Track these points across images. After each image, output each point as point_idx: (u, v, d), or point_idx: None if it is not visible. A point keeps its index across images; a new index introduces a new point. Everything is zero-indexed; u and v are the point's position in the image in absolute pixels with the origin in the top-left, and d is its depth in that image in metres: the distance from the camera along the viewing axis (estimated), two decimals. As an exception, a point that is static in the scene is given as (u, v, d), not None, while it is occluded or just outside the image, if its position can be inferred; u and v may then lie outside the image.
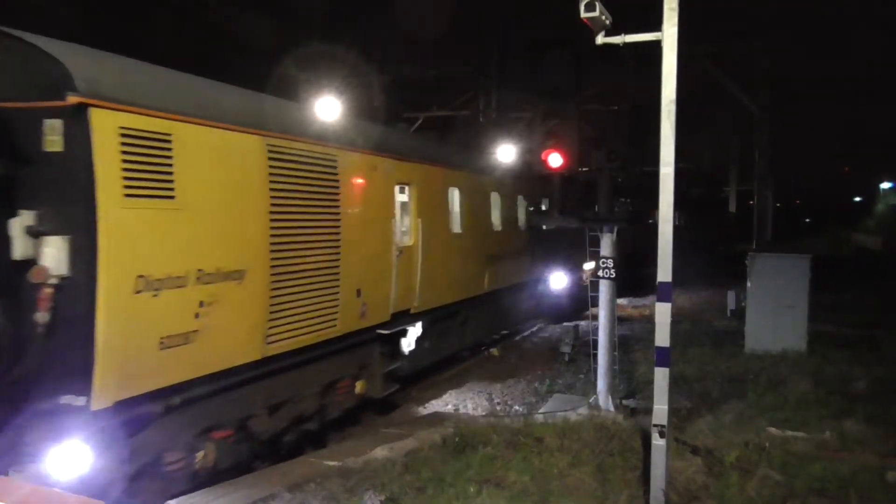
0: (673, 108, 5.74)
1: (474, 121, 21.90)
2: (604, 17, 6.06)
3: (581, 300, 19.32)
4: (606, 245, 9.14)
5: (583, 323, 15.33)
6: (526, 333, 16.99)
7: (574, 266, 19.08)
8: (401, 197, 10.67)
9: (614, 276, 9.12)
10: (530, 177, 17.17)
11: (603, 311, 9.31)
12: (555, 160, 8.54)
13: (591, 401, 9.32)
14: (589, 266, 21.17)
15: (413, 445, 7.80)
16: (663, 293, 5.83)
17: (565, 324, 14.20)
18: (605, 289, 9.26)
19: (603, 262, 9.10)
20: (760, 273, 12.62)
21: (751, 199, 27.15)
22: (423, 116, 20.75)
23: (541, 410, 9.51)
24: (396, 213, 10.30)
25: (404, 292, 10.40)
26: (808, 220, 66.65)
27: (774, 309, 12.25)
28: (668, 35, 5.77)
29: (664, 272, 5.81)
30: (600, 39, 6.29)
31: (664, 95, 5.77)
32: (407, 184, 10.68)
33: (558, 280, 17.55)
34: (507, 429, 8.00)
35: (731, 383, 10.30)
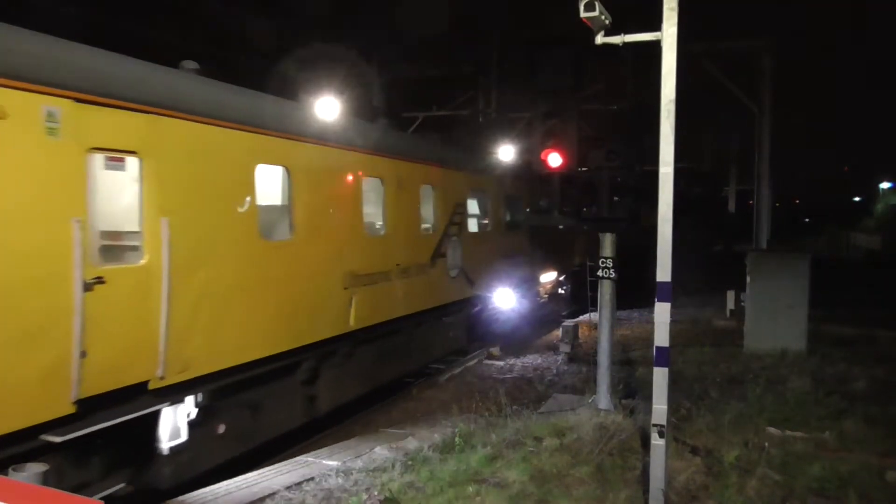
0: (672, 107, 5.75)
1: (474, 121, 21.89)
2: (603, 17, 6.07)
3: (538, 319, 16.84)
4: (607, 245, 9.14)
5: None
6: (445, 377, 12.56)
7: (529, 279, 16.39)
8: (110, 176, 6.69)
9: (614, 275, 9.12)
10: (462, 162, 13.25)
11: (603, 311, 9.31)
12: (554, 160, 8.54)
13: (590, 400, 9.33)
14: (548, 278, 18.67)
15: (413, 445, 7.81)
16: (663, 293, 5.84)
17: (564, 323, 13.95)
18: (605, 289, 9.26)
19: (603, 262, 9.10)
20: (760, 273, 12.63)
21: (750, 199, 27.13)
22: (422, 116, 20.74)
23: (540, 410, 9.51)
24: (91, 206, 5.79)
25: (123, 354, 5.90)
26: (807, 219, 66.65)
27: (774, 308, 12.26)
28: (668, 35, 5.77)
29: (663, 272, 5.82)
30: (600, 39, 6.29)
31: (663, 95, 5.77)
32: (132, 153, 6.15)
33: (504, 298, 14.54)
34: (507, 428, 8.02)
35: (730, 383, 10.30)
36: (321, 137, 8.89)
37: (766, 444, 7.20)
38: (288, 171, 8.26)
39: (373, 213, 10.46)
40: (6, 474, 3.49)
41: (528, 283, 16.42)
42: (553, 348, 14.39)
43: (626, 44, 6.24)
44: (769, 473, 6.51)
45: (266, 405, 8.06)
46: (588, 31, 6.30)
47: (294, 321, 8.23)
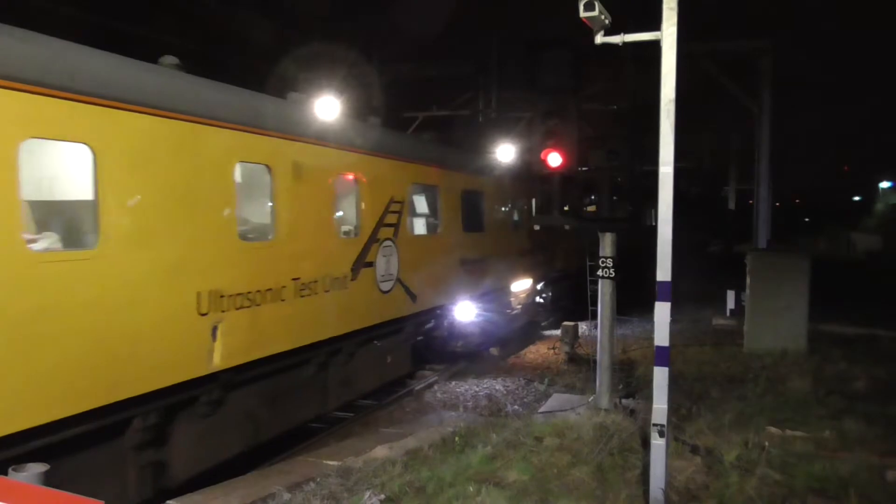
0: (672, 107, 5.75)
1: (474, 121, 21.90)
2: (603, 17, 6.08)
3: (510, 333, 14.84)
4: (607, 245, 9.16)
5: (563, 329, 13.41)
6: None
7: (497, 288, 14.43)
8: None
9: (614, 275, 9.14)
10: (399, 148, 11.00)
11: (603, 311, 9.32)
12: (554, 160, 8.54)
13: (590, 400, 9.34)
14: (522, 286, 16.20)
15: (413, 445, 7.81)
16: (663, 293, 5.84)
17: (565, 323, 13.86)
18: (604, 289, 9.28)
19: (603, 262, 9.12)
20: (760, 273, 12.64)
21: (750, 199, 27.10)
22: (422, 116, 20.76)
23: (540, 410, 9.52)
24: None
25: None
26: (807, 219, 66.75)
27: (774, 308, 12.27)
28: (668, 35, 5.77)
29: (663, 272, 5.83)
30: (599, 39, 6.30)
31: (663, 95, 5.77)
32: None
33: (464, 312, 12.66)
34: (507, 428, 8.02)
35: (730, 383, 10.31)
36: (156, 105, 6.31)
37: (767, 443, 7.20)
38: (93, 151, 5.77)
39: (254, 211, 8.25)
40: (6, 474, 3.49)
41: (497, 293, 14.39)
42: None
43: (625, 44, 6.24)
44: (769, 473, 6.51)
45: (71, 484, 5.45)
46: (588, 31, 6.30)
47: (110, 367, 5.87)
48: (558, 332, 15.61)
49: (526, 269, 16.05)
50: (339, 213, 9.50)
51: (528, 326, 16.61)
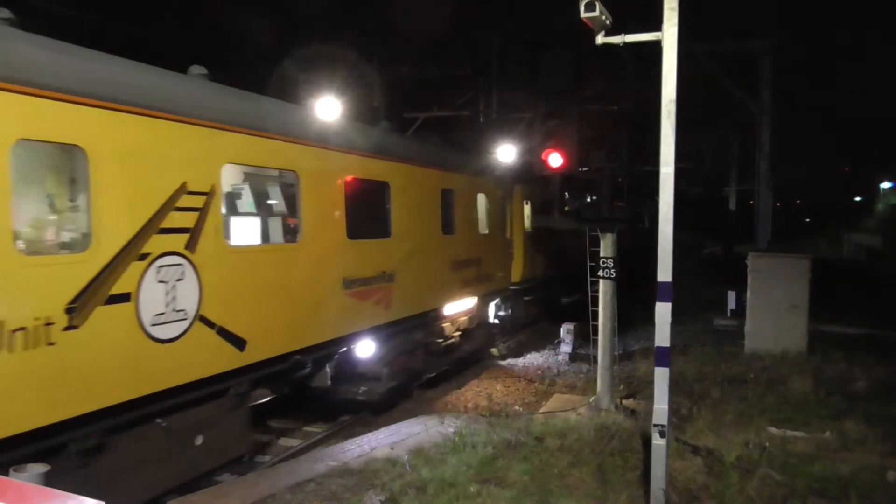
0: (673, 107, 5.75)
1: (474, 121, 21.89)
2: (604, 17, 6.09)
3: (442, 371, 11.87)
4: (607, 245, 9.16)
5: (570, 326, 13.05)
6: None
7: (419, 314, 10.75)
8: None
9: (614, 276, 9.14)
10: (201, 101, 6.76)
11: (603, 312, 9.32)
12: (555, 160, 8.55)
13: (591, 401, 9.34)
14: (460, 307, 12.29)
15: (413, 445, 7.81)
16: (663, 293, 5.84)
17: (566, 323, 13.77)
18: (605, 289, 9.28)
19: (603, 263, 9.13)
20: (761, 273, 12.66)
21: (751, 199, 27.07)
22: (423, 116, 20.73)
23: (541, 410, 9.52)
24: None
25: None
26: (808, 220, 66.81)
27: (775, 309, 12.29)
28: (668, 35, 5.78)
29: (664, 272, 5.83)
30: (600, 39, 6.31)
31: (664, 95, 5.77)
32: None
33: (361, 349, 9.17)
34: (508, 429, 8.02)
35: (731, 383, 10.32)
36: None
37: (767, 444, 7.21)
38: None
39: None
40: (6, 474, 3.49)
41: (420, 319, 10.86)
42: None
43: (626, 44, 6.25)
44: (770, 473, 6.52)
45: None
46: (589, 31, 6.31)
47: None
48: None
49: (469, 285, 12.50)
50: (32, 211, 5.73)
51: (476, 355, 13.52)
